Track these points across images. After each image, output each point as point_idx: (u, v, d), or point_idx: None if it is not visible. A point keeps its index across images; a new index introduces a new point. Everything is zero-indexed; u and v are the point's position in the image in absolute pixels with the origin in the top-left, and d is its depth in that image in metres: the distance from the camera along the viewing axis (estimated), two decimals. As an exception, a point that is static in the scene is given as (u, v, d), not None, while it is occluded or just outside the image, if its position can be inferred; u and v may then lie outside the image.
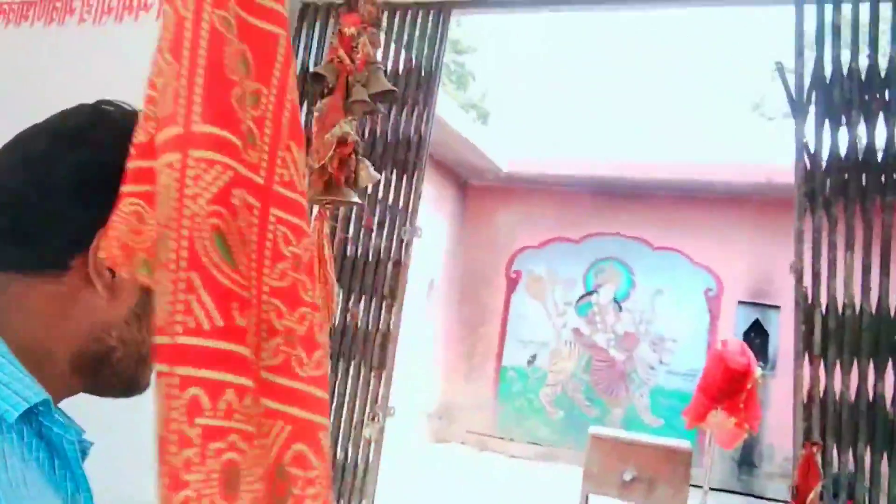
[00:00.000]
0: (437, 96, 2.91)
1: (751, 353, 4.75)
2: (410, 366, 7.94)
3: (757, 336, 7.85)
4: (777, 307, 7.79)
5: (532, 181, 8.63)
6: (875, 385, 2.24)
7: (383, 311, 2.95)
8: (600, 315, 8.41)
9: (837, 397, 2.30)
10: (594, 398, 8.28)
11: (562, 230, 8.69)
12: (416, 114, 2.90)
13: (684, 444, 5.04)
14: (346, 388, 2.92)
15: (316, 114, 2.30)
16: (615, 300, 8.38)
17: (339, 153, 2.20)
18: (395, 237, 2.95)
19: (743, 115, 13.77)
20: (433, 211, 8.19)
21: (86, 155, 0.67)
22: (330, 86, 2.26)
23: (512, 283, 8.84)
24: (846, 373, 2.30)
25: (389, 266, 2.91)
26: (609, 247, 8.47)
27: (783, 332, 7.70)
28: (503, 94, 15.47)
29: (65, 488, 0.65)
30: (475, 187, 9.08)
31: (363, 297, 2.97)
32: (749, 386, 4.62)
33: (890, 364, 2.22)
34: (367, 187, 3.01)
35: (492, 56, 15.21)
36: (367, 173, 2.36)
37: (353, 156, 2.27)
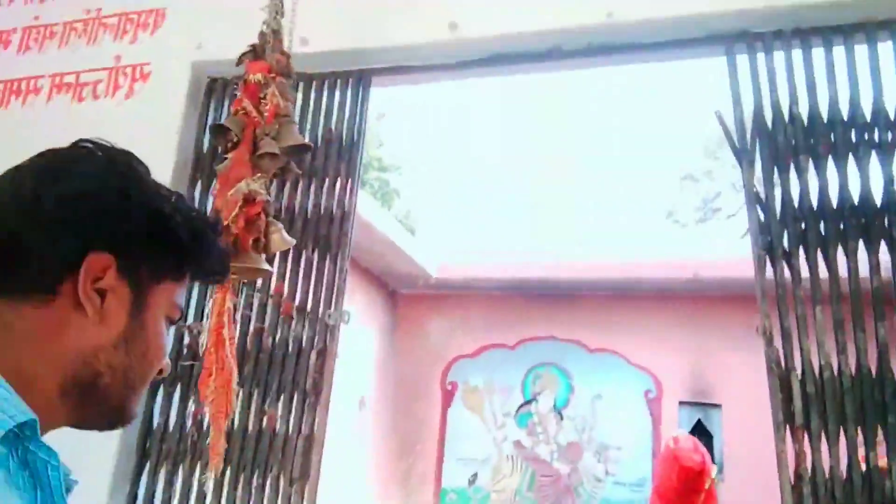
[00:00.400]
0: (360, 168, 2.66)
1: (704, 450, 4.47)
2: (340, 488, 7.29)
3: (701, 437, 7.59)
4: (718, 406, 7.61)
5: (463, 286, 8.42)
6: (867, 455, 1.99)
7: (306, 411, 2.54)
8: (541, 425, 8.02)
9: (827, 474, 2.03)
10: (541, 517, 7.74)
11: (496, 336, 8.42)
12: (338, 186, 2.63)
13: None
14: (261, 506, 2.45)
15: (219, 170, 2.01)
16: (555, 408, 8.04)
17: (245, 213, 1.90)
18: (318, 324, 2.60)
19: (658, 219, 14.27)
20: (361, 324, 7.82)
21: (71, 186, 0.71)
22: (235, 139, 1.99)
23: (448, 396, 8.40)
24: (833, 444, 2.04)
25: (313, 356, 2.54)
26: (545, 351, 8.22)
27: (728, 432, 7.48)
28: (428, 205, 15.61)
29: None
30: (405, 296, 8.80)
31: (282, 396, 2.56)
32: (707, 485, 4.30)
33: (880, 431, 1.98)
34: (285, 270, 2.69)
35: (414, 169, 15.45)
36: (281, 237, 2.05)
37: (263, 217, 1.97)
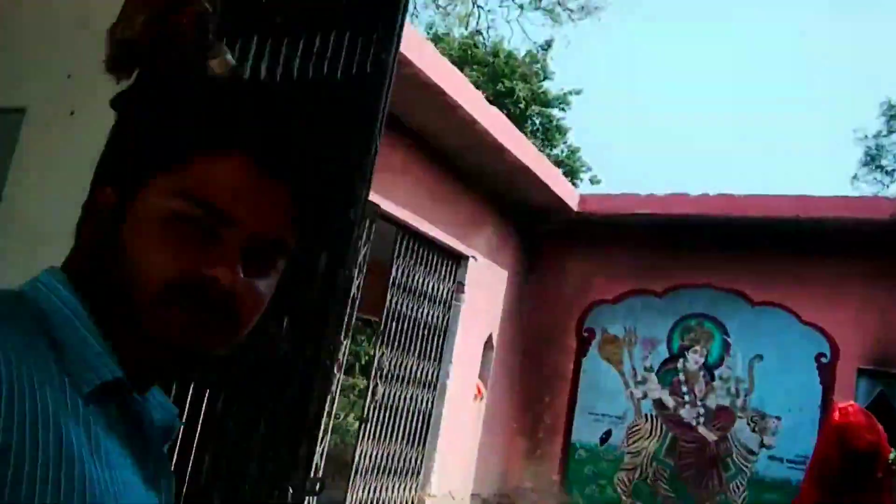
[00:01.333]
0: (404, 15, 1.99)
1: (881, 429, 3.44)
2: (458, 440, 6.89)
3: (883, 412, 6.30)
4: (912, 380, 6.26)
5: (607, 223, 7.55)
6: None
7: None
8: (688, 384, 7.07)
9: None
10: (679, 487, 6.86)
11: (642, 281, 7.50)
12: (374, 40, 1.97)
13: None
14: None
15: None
16: (705, 366, 7.05)
17: (174, 21, 1.34)
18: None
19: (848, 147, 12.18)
20: (492, 259, 7.24)
21: None
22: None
23: (583, 344, 7.66)
24: None
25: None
26: (698, 301, 7.20)
27: (922, 412, 6.13)
28: (588, 141, 14.56)
29: (148, 468, 0.65)
30: (543, 231, 8.07)
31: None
32: (880, 474, 3.30)
33: None
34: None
35: (579, 104, 14.38)
36: (223, 59, 1.48)
37: (196, 29, 1.40)
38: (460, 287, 6.79)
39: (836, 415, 3.50)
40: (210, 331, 0.65)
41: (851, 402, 3.63)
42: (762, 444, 6.62)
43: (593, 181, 17.03)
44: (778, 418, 6.60)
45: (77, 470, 0.55)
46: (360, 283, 4.99)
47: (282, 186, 0.68)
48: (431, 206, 6.07)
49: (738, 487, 6.61)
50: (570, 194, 7.34)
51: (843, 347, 6.52)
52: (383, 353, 5.95)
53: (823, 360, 6.59)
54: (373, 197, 5.09)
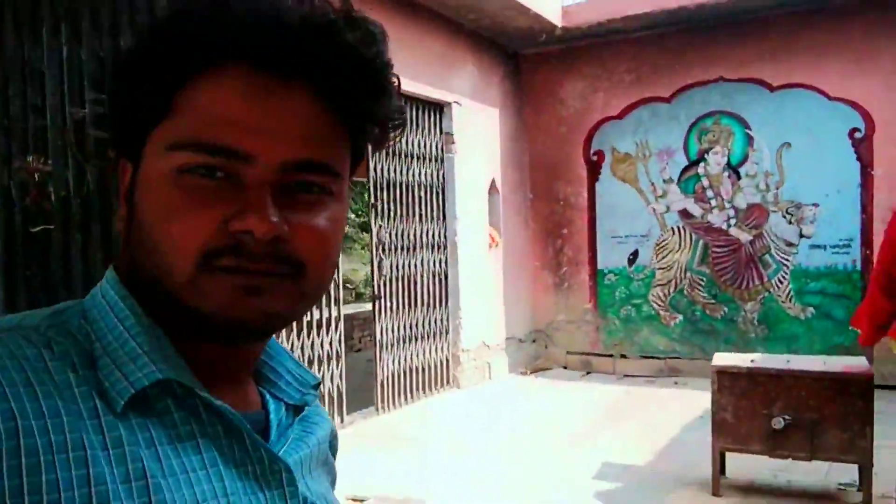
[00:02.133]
0: None
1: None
2: (481, 292, 6.60)
3: (932, 180, 5.84)
4: (957, 136, 5.71)
5: (597, 33, 6.75)
6: None
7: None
8: (713, 188, 6.60)
9: None
10: (719, 293, 6.59)
11: (647, 88, 6.82)
12: None
13: (859, 364, 3.40)
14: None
15: None
16: (729, 166, 6.53)
17: None
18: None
19: None
20: (477, 99, 6.56)
21: None
22: None
23: (594, 168, 7.13)
24: None
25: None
26: (712, 98, 6.55)
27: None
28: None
29: (249, 461, 0.58)
30: (528, 57, 7.29)
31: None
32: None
33: None
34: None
35: None
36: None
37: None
38: (449, 137, 6.20)
39: (898, 216, 3.02)
40: (271, 291, 0.55)
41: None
42: (801, 235, 6.24)
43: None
44: (815, 205, 6.17)
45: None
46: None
47: (302, 90, 0.56)
48: (399, 54, 5.33)
49: (781, 281, 6.32)
50: (551, 9, 6.48)
51: (879, 117, 5.93)
52: (380, 226, 5.51)
53: (858, 134, 6.02)
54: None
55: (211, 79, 0.54)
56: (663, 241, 6.81)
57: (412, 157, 5.83)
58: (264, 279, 0.55)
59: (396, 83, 0.62)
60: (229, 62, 0.54)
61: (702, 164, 6.63)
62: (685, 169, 6.69)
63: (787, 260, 6.29)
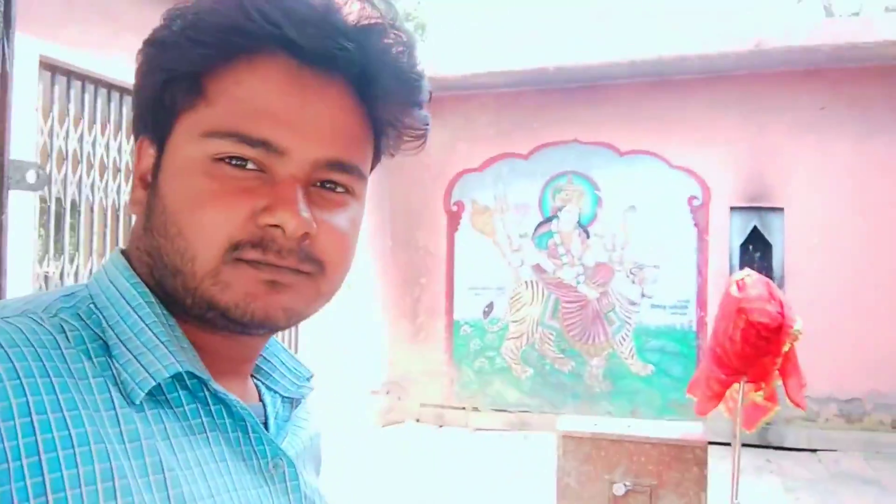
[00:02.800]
0: None
1: (781, 295, 3.17)
2: (345, 335, 6.38)
3: (757, 248, 6.34)
4: (779, 209, 6.25)
5: (462, 85, 6.86)
6: None
7: None
8: (564, 245, 6.81)
9: None
10: (567, 348, 6.77)
11: (507, 143, 6.98)
12: None
13: (695, 432, 3.52)
14: None
15: None
16: (580, 224, 6.78)
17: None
18: None
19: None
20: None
21: None
22: None
23: (453, 218, 7.18)
24: None
25: None
26: (566, 158, 6.80)
27: (791, 240, 6.19)
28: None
29: (254, 455, 0.58)
30: (393, 105, 7.27)
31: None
32: (786, 347, 3.06)
33: None
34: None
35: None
36: None
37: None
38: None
39: (735, 288, 3.18)
40: (293, 288, 0.55)
41: (748, 271, 3.32)
42: (643, 294, 6.55)
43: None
44: (656, 267, 6.51)
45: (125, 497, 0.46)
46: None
47: (339, 88, 0.56)
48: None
49: (624, 339, 6.58)
50: (424, 60, 6.51)
51: (714, 187, 6.39)
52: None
53: (696, 202, 6.45)
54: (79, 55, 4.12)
55: (250, 68, 0.53)
56: (517, 294, 6.92)
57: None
58: (288, 276, 0.54)
59: (428, 96, 0.62)
60: (273, 52, 0.53)
61: (555, 221, 6.84)
62: (539, 225, 6.87)
63: (630, 318, 6.58)
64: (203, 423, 0.55)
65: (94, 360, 0.51)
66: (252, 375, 0.67)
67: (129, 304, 0.55)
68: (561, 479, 3.55)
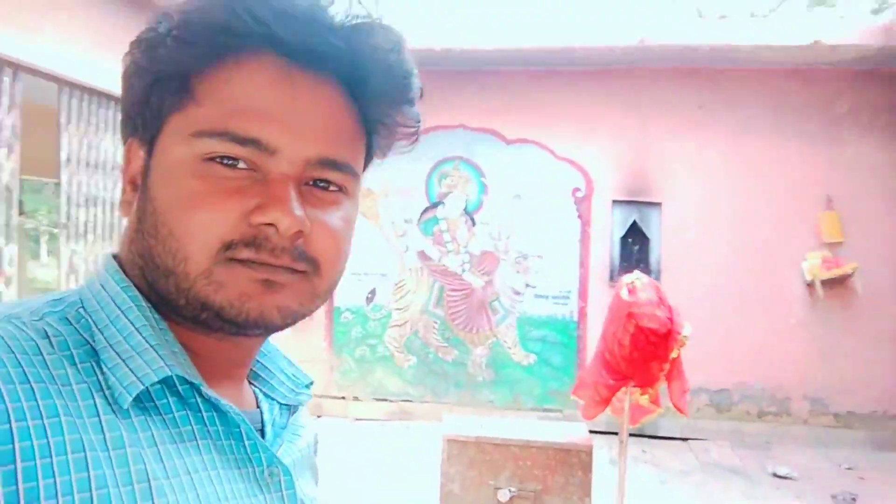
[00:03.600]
0: None
1: (668, 301, 3.17)
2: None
3: (636, 242, 6.49)
4: (657, 204, 6.42)
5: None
6: None
7: None
8: (450, 232, 6.70)
9: None
10: (451, 337, 6.68)
11: (392, 128, 6.73)
12: None
13: (580, 434, 3.49)
14: None
15: None
16: (466, 212, 6.68)
17: None
18: None
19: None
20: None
21: None
22: None
23: (336, 202, 6.87)
24: None
25: None
26: (453, 144, 6.67)
27: (667, 234, 6.37)
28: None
29: (249, 463, 0.56)
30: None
31: None
32: (674, 354, 3.06)
33: None
34: None
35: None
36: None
37: None
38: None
39: (626, 292, 3.14)
40: (288, 287, 0.54)
41: (639, 274, 3.30)
42: (527, 284, 6.55)
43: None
44: (540, 257, 6.52)
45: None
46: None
47: (330, 86, 0.56)
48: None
49: (508, 328, 6.57)
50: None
51: (597, 180, 6.46)
52: (73, 252, 4.69)
53: (579, 194, 6.51)
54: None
55: (239, 67, 0.53)
56: (401, 281, 6.75)
57: (115, 168, 5.06)
58: (282, 275, 0.54)
59: (419, 93, 0.61)
60: (261, 51, 0.53)
61: (441, 207, 6.70)
62: (425, 211, 6.72)
63: (514, 308, 6.58)
64: (193, 430, 0.53)
65: (79, 365, 0.50)
66: (250, 382, 0.66)
67: (118, 307, 0.53)
68: (444, 485, 3.43)
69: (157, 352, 0.52)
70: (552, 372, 6.46)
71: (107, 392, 0.49)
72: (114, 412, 0.49)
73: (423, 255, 6.72)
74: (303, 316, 0.58)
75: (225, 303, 0.53)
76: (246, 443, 0.56)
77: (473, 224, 6.65)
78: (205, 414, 0.55)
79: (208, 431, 0.54)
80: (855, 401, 6.21)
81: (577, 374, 6.41)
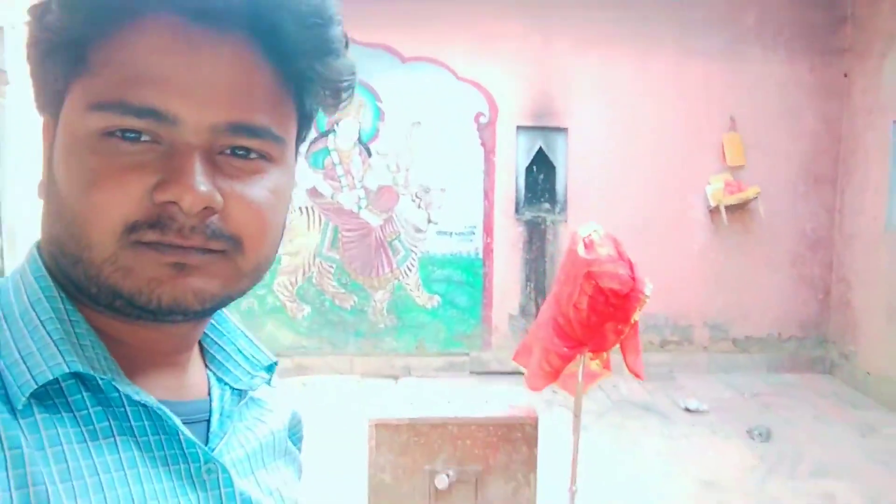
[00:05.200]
0: None
1: (626, 254, 2.76)
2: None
3: (541, 170, 6.10)
4: (563, 130, 6.02)
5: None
6: None
7: None
8: (343, 165, 6.02)
9: None
10: (349, 282, 6.10)
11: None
12: None
13: (524, 408, 3.09)
14: None
15: None
16: (360, 141, 6.01)
17: None
18: None
19: None
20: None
21: None
22: None
23: (208, 133, 5.98)
24: None
25: None
26: (343, 66, 5.89)
27: (573, 161, 6.01)
28: None
29: (182, 459, 0.53)
30: None
31: None
32: (636, 316, 2.68)
33: None
34: None
35: None
36: None
37: None
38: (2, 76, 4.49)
39: (582, 248, 2.69)
40: (204, 269, 0.50)
41: (595, 226, 2.84)
42: (429, 220, 6.04)
43: None
44: (442, 190, 6.01)
45: None
46: None
47: (237, 44, 0.50)
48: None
49: (409, 269, 6.08)
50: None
51: (502, 104, 5.95)
52: None
53: (482, 119, 5.98)
54: None
55: (135, 31, 0.48)
56: (290, 222, 6.03)
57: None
58: (195, 256, 0.50)
59: (345, 41, 0.57)
60: (154, 12, 0.48)
61: (332, 137, 5.99)
62: (314, 141, 5.97)
63: (416, 246, 6.07)
64: (111, 427, 0.50)
65: None
66: (207, 365, 0.63)
67: (29, 298, 0.52)
68: (374, 476, 2.95)
69: (57, 347, 0.49)
70: (458, 314, 6.07)
71: (6, 390, 0.47)
72: (12, 412, 0.46)
73: (313, 193, 6.01)
74: (230, 298, 0.54)
75: (134, 289, 0.49)
76: (181, 438, 0.53)
77: (369, 155, 6.00)
78: (128, 409, 0.51)
79: (131, 427, 0.51)
80: (751, 326, 6.28)
81: (482, 314, 6.06)
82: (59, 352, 0.48)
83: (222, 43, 0.49)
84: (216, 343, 0.64)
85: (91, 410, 0.49)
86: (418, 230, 6.04)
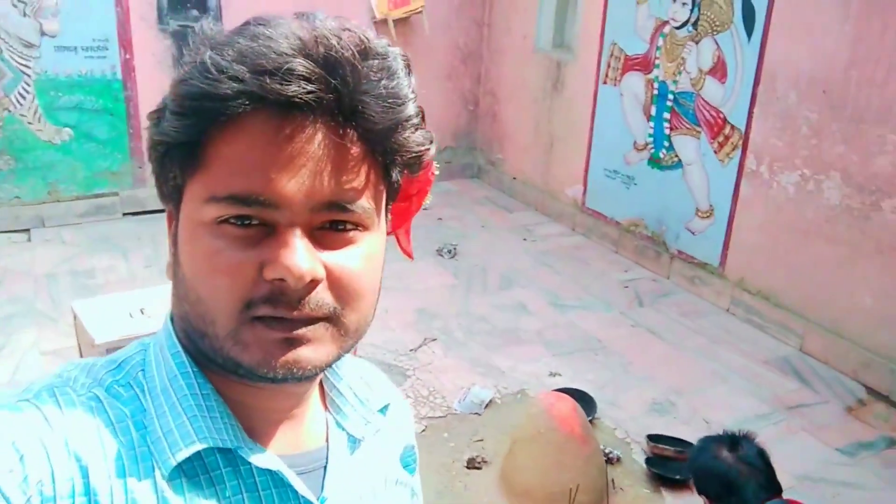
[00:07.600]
0: None
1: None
2: None
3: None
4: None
5: None
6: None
7: None
8: None
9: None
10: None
11: None
12: None
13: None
14: None
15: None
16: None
17: None
18: None
19: None
20: None
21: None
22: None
23: None
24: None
25: None
26: None
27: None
28: None
29: None
30: None
31: None
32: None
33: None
34: None
35: None
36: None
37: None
38: None
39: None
40: (312, 338, 0.54)
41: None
42: (43, 32, 4.68)
43: None
44: (55, 16, 4.63)
45: None
46: None
47: (324, 128, 0.53)
48: None
49: (23, 96, 4.76)
50: None
51: None
52: None
53: None
54: None
55: (237, 129, 0.52)
56: None
57: None
58: (304, 328, 0.54)
59: (420, 113, 0.58)
60: (249, 111, 0.51)
61: None
62: None
63: (28, 66, 4.72)
64: (240, 487, 0.55)
65: (137, 432, 0.53)
66: (329, 410, 0.66)
67: (166, 374, 0.56)
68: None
69: (191, 425, 0.53)
70: (98, 148, 5.05)
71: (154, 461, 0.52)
72: (152, 481, 0.52)
73: None
74: (337, 359, 0.57)
75: (252, 363, 0.53)
76: (299, 494, 0.58)
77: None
78: (257, 479, 0.56)
79: (256, 485, 0.56)
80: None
81: (131, 146, 5.15)
82: (194, 429, 0.53)
83: (313, 130, 0.52)
84: (335, 387, 0.67)
85: (224, 471, 0.55)
86: (28, 45, 4.67)
